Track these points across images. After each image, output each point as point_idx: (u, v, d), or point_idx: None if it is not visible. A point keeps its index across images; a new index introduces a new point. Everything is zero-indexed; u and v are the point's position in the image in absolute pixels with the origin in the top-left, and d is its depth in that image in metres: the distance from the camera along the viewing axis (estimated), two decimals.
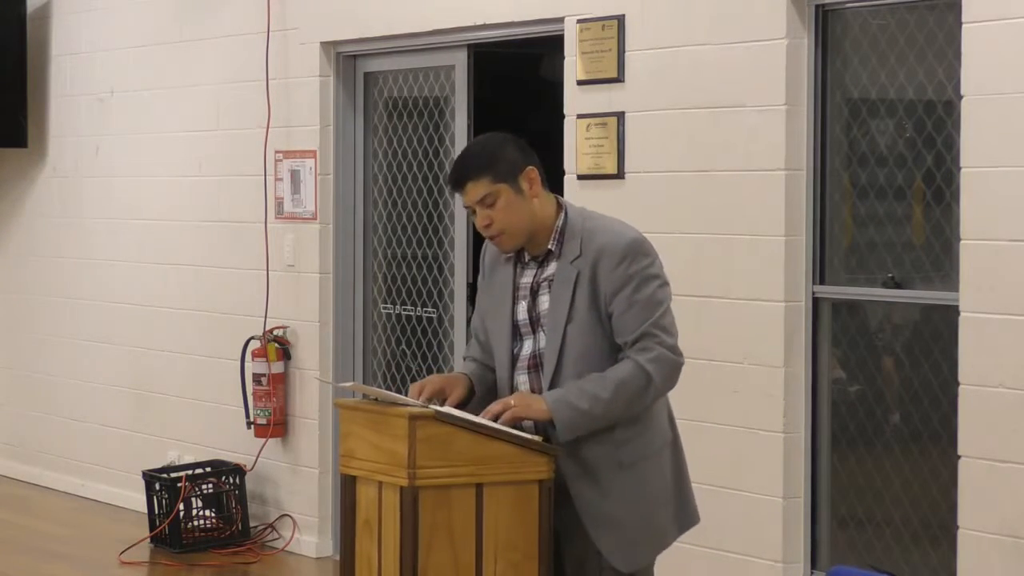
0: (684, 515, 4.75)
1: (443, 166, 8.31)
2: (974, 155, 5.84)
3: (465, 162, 4.68)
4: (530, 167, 4.64)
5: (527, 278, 4.69)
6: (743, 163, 6.59)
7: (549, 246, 4.65)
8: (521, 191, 4.62)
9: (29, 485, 10.64)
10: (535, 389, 4.65)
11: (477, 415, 4.58)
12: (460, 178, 4.65)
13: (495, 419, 4.52)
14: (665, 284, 4.60)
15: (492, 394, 4.77)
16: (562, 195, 7.24)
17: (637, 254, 4.56)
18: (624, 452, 4.59)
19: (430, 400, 4.61)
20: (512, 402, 4.55)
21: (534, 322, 4.66)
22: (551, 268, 4.64)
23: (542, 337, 4.64)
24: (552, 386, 4.60)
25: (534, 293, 4.66)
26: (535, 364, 4.66)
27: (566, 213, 4.66)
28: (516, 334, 4.70)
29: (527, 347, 4.67)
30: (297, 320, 8.75)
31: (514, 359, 4.69)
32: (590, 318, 4.56)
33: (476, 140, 4.84)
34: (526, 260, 4.71)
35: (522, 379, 4.68)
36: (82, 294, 10.30)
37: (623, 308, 4.53)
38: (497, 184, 4.60)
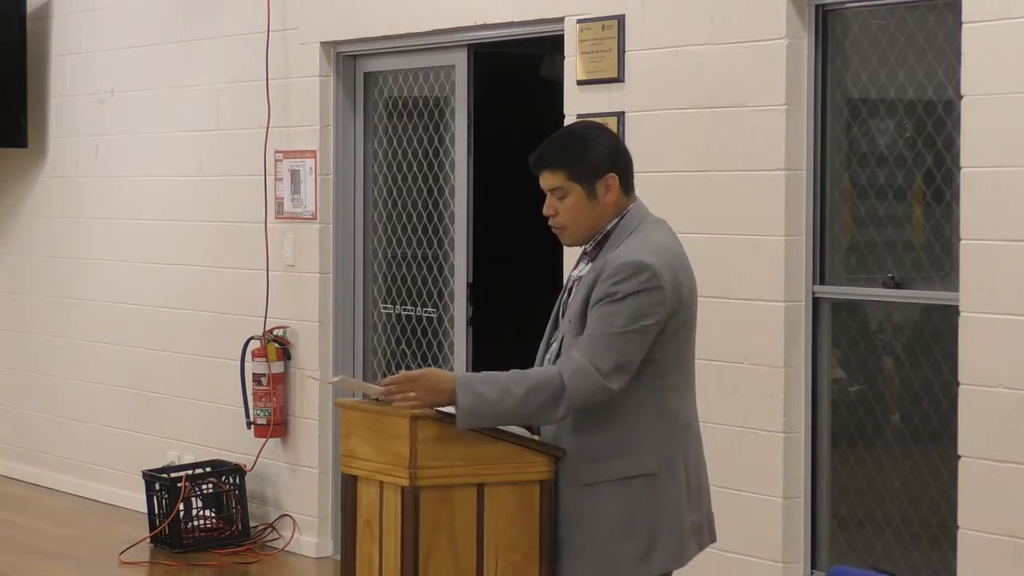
0: (665, 552, 4.47)
1: (443, 166, 8.32)
2: (974, 155, 5.84)
3: (548, 150, 4.60)
4: (611, 174, 4.54)
5: (575, 272, 4.66)
6: (743, 163, 6.59)
7: (587, 246, 4.60)
8: (594, 195, 4.54)
9: (29, 485, 10.64)
10: None
11: None
12: (539, 164, 4.59)
13: (387, 395, 4.42)
14: (643, 316, 4.38)
15: None
16: None
17: (632, 276, 4.39)
18: (585, 470, 4.46)
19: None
20: (418, 380, 4.41)
21: (559, 319, 4.65)
22: (584, 269, 4.60)
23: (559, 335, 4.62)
24: None
25: (570, 289, 4.64)
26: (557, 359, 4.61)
27: (621, 218, 4.56)
28: (556, 325, 4.67)
29: (556, 340, 4.63)
30: (297, 320, 8.76)
31: (547, 349, 4.65)
32: (579, 323, 4.48)
33: (570, 128, 4.71)
34: (584, 255, 4.66)
35: None
36: (82, 294, 10.30)
37: (592, 318, 4.42)
38: (571, 182, 4.54)
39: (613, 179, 4.55)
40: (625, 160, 4.63)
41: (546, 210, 4.61)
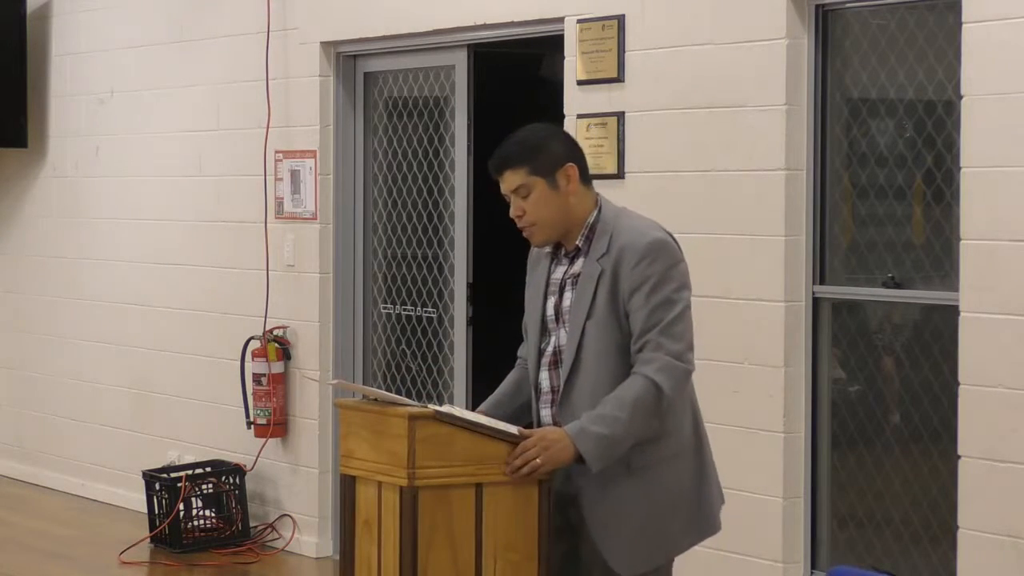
0: (701, 522, 4.69)
1: (443, 166, 8.32)
2: (974, 155, 5.84)
3: (506, 151, 4.69)
4: (570, 163, 4.62)
5: (558, 274, 4.69)
6: (743, 163, 6.59)
7: (577, 242, 4.64)
8: (557, 186, 4.61)
9: (29, 485, 10.64)
10: (555, 387, 4.63)
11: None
12: (498, 166, 4.68)
13: (513, 471, 4.47)
14: (683, 288, 4.56)
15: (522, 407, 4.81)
16: None
17: (658, 254, 4.52)
18: (635, 455, 4.54)
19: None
20: (536, 457, 4.46)
21: (559, 318, 4.65)
22: (579, 264, 4.63)
23: (563, 334, 4.62)
24: (569, 383, 4.58)
25: (562, 289, 4.65)
26: (555, 361, 4.64)
27: (599, 210, 4.65)
28: (544, 329, 4.69)
29: (551, 343, 4.66)
30: (297, 320, 8.75)
31: (540, 355, 4.68)
32: (609, 316, 4.53)
33: (523, 129, 4.81)
34: (561, 256, 4.70)
35: (543, 375, 4.66)
36: (82, 294, 10.30)
37: (636, 307, 4.50)
38: (533, 177, 4.61)
39: (572, 169, 4.64)
40: (580, 153, 4.73)
41: (513, 212, 4.67)
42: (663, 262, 4.52)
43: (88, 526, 9.55)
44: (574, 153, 4.69)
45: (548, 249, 4.74)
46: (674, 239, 4.63)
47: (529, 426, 4.73)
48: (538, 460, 4.45)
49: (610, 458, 4.47)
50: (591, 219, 4.64)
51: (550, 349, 4.65)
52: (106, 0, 10.09)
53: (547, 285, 4.70)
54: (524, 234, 4.70)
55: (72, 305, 10.38)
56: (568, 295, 4.63)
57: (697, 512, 4.67)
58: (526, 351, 4.81)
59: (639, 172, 7.00)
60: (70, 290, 10.40)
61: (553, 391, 4.65)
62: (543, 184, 4.61)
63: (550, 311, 4.68)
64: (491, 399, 4.88)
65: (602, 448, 4.45)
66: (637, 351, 4.50)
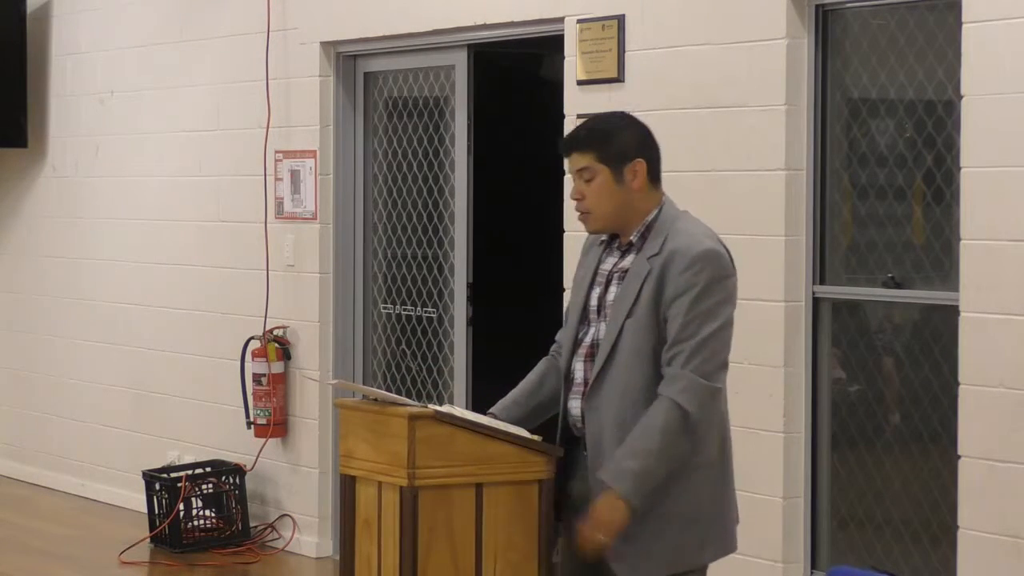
0: (724, 539, 4.67)
1: (443, 166, 8.32)
2: (974, 155, 5.84)
3: (579, 132, 4.63)
4: (640, 159, 4.56)
5: (607, 265, 4.63)
6: (743, 163, 6.59)
7: (631, 238, 4.58)
8: (622, 179, 4.55)
9: (29, 485, 10.64)
10: (587, 379, 4.56)
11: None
12: (569, 145, 4.61)
13: (585, 556, 4.46)
14: (726, 303, 4.51)
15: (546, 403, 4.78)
16: (561, 196, 7.28)
17: (707, 264, 4.46)
18: None
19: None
20: (596, 527, 4.44)
21: (600, 310, 4.60)
22: (629, 260, 4.57)
23: (603, 327, 4.57)
24: (600, 379, 4.52)
25: (608, 282, 4.60)
26: (591, 353, 4.58)
27: (660, 210, 4.59)
28: (585, 319, 4.63)
29: (590, 334, 4.60)
30: (297, 320, 8.75)
31: (576, 344, 4.63)
32: (649, 318, 4.48)
33: (603, 114, 4.76)
34: (614, 247, 4.65)
35: (577, 365, 4.60)
36: (82, 294, 10.30)
37: (675, 315, 4.44)
38: (599, 163, 4.55)
39: (641, 165, 4.56)
40: (654, 149, 4.65)
41: (572, 193, 4.61)
42: (710, 273, 4.47)
43: (88, 526, 9.55)
44: (646, 149, 4.61)
45: (603, 237, 4.68)
46: (728, 252, 4.58)
47: (544, 426, 4.70)
48: (601, 538, 4.44)
49: (648, 490, 4.44)
50: (650, 218, 4.58)
51: (587, 340, 4.60)
52: (106, 0, 10.09)
53: (595, 275, 4.65)
54: (579, 219, 4.64)
55: (72, 305, 10.38)
56: (613, 289, 4.57)
57: (716, 528, 4.64)
58: (563, 336, 4.75)
59: None
60: (70, 290, 10.40)
61: (585, 383, 4.59)
62: (608, 174, 4.55)
63: (593, 301, 4.62)
64: (508, 398, 4.81)
65: (639, 484, 4.41)
66: (667, 361, 4.44)
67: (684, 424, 4.41)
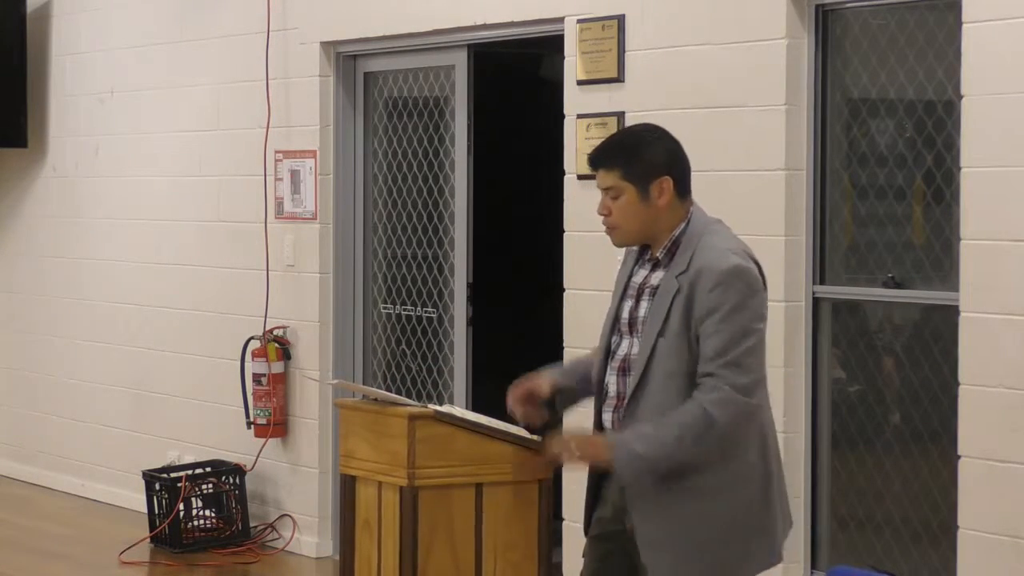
0: (764, 552, 4.56)
1: (443, 166, 8.32)
2: (974, 155, 5.84)
3: (606, 148, 4.61)
4: (667, 176, 4.52)
5: (639, 277, 4.60)
6: (743, 163, 6.59)
7: (659, 254, 4.55)
8: (648, 197, 4.51)
9: (29, 485, 10.64)
10: (621, 393, 4.53)
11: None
12: (595, 161, 4.59)
13: (557, 463, 4.43)
14: (757, 319, 4.43)
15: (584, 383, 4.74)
16: (561, 195, 7.28)
17: (734, 281, 4.40)
18: (695, 476, 4.43)
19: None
20: (575, 449, 4.44)
21: (632, 324, 4.56)
22: (658, 276, 4.53)
23: (636, 343, 4.52)
24: (635, 397, 4.48)
25: (639, 296, 4.56)
26: (623, 368, 4.55)
27: (688, 223, 4.54)
28: (616, 330, 4.60)
29: (623, 347, 4.56)
30: (297, 320, 8.75)
31: (610, 355, 4.59)
32: (680, 337, 4.43)
33: (630, 128, 4.73)
34: (645, 259, 4.62)
35: (611, 379, 4.57)
36: (82, 294, 10.29)
37: (707, 334, 4.38)
38: (625, 182, 4.51)
39: (667, 182, 4.53)
40: (682, 164, 4.61)
41: (600, 209, 4.58)
42: (738, 290, 4.40)
43: (88, 526, 9.55)
44: (674, 164, 4.57)
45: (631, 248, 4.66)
46: (758, 265, 4.52)
47: (544, 427, 4.67)
48: (577, 453, 4.41)
49: (640, 478, 4.39)
50: (677, 232, 4.54)
51: (620, 354, 4.56)
52: (106, 0, 10.09)
53: (627, 286, 4.62)
54: (606, 232, 4.61)
55: (72, 305, 10.38)
56: (644, 305, 4.54)
57: (757, 541, 4.54)
58: (600, 342, 4.72)
59: None
60: (70, 290, 10.40)
61: (619, 397, 4.55)
62: (634, 192, 4.51)
63: (624, 314, 4.58)
64: (567, 365, 4.79)
65: (634, 467, 4.37)
66: (702, 377, 4.39)
67: (707, 432, 4.35)
